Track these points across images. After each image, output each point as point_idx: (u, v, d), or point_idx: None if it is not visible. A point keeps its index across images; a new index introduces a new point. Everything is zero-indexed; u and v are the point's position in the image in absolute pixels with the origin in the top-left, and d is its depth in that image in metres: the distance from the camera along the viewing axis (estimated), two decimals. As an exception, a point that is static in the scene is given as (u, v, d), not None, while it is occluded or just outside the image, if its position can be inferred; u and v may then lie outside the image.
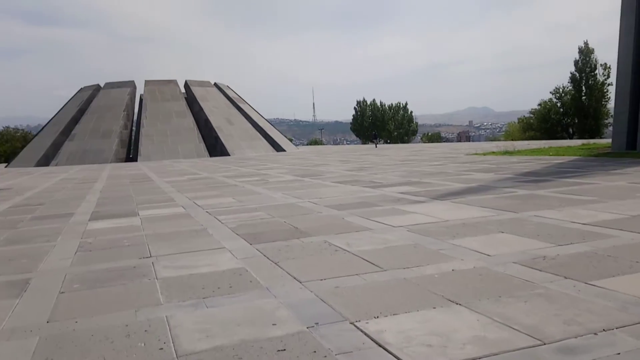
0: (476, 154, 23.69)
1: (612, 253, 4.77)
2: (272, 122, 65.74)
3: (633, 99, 19.94)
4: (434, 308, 3.57)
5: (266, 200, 10.47)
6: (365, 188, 11.66)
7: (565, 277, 4.11)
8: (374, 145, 49.91)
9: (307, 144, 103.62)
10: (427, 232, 6.21)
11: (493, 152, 23.51)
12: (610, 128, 57.20)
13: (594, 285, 3.87)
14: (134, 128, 50.72)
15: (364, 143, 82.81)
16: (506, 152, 22.50)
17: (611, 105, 51.94)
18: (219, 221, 7.97)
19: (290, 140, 74.08)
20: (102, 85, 52.05)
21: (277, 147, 49.00)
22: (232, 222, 7.76)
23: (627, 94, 20.08)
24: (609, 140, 29.87)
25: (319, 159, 28.49)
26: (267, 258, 5.35)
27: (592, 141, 29.19)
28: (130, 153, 48.13)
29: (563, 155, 19.21)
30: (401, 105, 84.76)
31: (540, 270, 4.35)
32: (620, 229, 5.74)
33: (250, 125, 50.66)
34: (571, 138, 50.32)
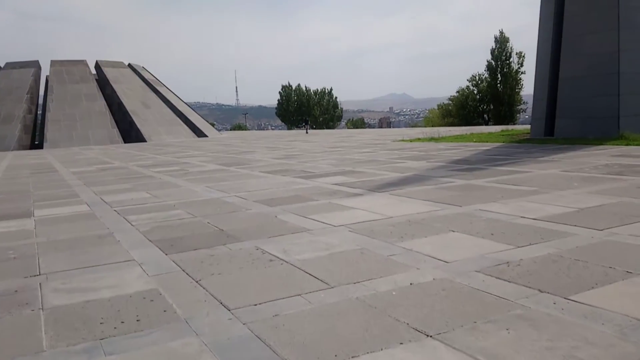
0: (403, 140, 23.63)
1: (579, 256, 4.32)
2: (193, 106, 63.06)
3: (551, 85, 20.58)
4: (402, 344, 2.85)
5: (186, 195, 9.37)
6: (297, 179, 10.87)
7: (541, 291, 3.56)
8: (305, 131, 48.89)
9: (230, 129, 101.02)
10: (372, 232, 5.53)
11: (419, 139, 23.56)
12: (523, 114, 60.39)
13: (576, 302, 3.33)
14: (39, 112, 46.46)
15: (289, 128, 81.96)
16: (432, 139, 22.60)
17: (524, 92, 54.76)
18: (129, 223, 6.83)
19: (213, 125, 71.65)
20: (1, 65, 47.08)
21: (199, 133, 46.93)
22: (144, 224, 6.66)
23: (545, 81, 20.69)
24: (526, 127, 31.18)
25: (244, 146, 27.32)
26: (187, 274, 4.40)
27: (510, 127, 30.30)
28: (36, 139, 44.07)
29: (486, 141, 19.50)
30: (326, 91, 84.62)
31: (509, 282, 3.77)
32: (575, 225, 5.36)
33: (168, 109, 48.06)
34: (487, 124, 52.44)
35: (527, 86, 54.23)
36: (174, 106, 48.85)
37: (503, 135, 22.87)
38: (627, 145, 14.21)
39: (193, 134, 46.53)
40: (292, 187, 9.61)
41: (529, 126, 30.73)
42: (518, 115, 54.56)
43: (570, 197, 6.98)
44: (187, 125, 47.50)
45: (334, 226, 5.95)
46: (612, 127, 18.06)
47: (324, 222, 6.18)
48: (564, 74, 20.01)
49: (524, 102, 54.48)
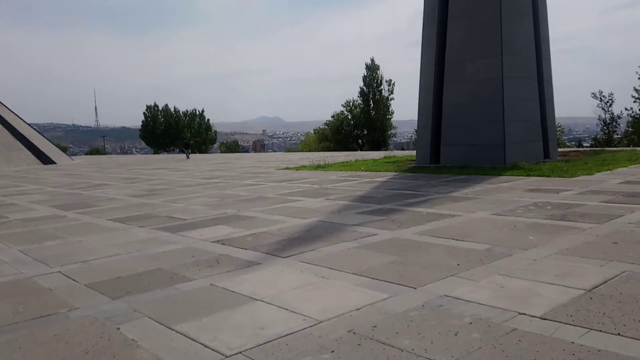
0: (288, 168, 21.45)
1: None
2: (45, 128, 55.16)
3: (435, 112, 19.92)
4: None
5: (-19, 271, 5.98)
6: (161, 232, 7.95)
7: None
8: (186, 156, 42.64)
9: (87, 154, 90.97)
10: (301, 374, 3.00)
11: (304, 167, 21.58)
12: (395, 139, 62.29)
13: None
14: None
15: (156, 152, 75.97)
16: (318, 167, 20.75)
17: (395, 118, 56.39)
18: None
19: (65, 150, 63.57)
20: None
21: (45, 159, 40.35)
22: None
23: (429, 108, 19.99)
24: (407, 153, 30.97)
25: (98, 176, 23.02)
26: None
27: (392, 153, 29.77)
28: None
29: (375, 170, 18.04)
30: (197, 112, 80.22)
31: None
32: (620, 334, 3.37)
33: (7, 132, 40.81)
34: (362, 149, 52.80)
35: (397, 112, 55.98)
36: (14, 128, 41.64)
37: (388, 162, 21.79)
38: (527, 176, 13.43)
39: (38, 160, 39.88)
40: (152, 249, 6.71)
41: (410, 152, 30.67)
42: (390, 140, 55.89)
43: (546, 262, 5.14)
44: (31, 151, 40.66)
45: (225, 357, 3.31)
46: (499, 155, 17.66)
47: (204, 345, 3.50)
48: (447, 101, 19.44)
49: (394, 128, 56.05)
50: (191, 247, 6.76)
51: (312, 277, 5.04)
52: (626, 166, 14.60)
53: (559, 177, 12.84)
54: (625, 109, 38.25)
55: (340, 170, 18.68)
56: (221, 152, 79.17)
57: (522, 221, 7.35)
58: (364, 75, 54.23)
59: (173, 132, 76.58)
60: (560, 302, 3.96)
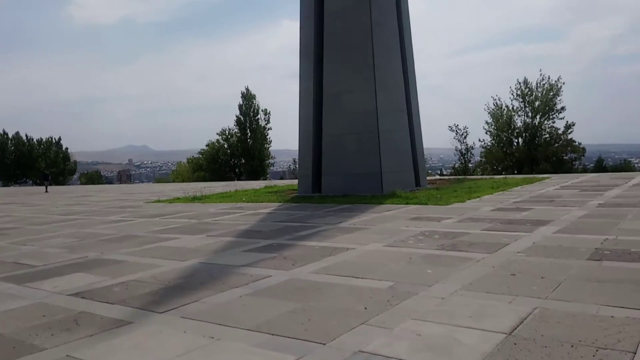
0: (160, 201, 19.83)
1: None
2: None
3: (316, 142, 19.92)
4: None
5: None
6: (4, 284, 6.43)
7: None
8: (45, 189, 38.21)
9: None
10: None
11: (178, 199, 20.13)
12: (273, 168, 62.16)
13: None
14: None
15: (5, 185, 67.31)
16: (195, 199, 19.47)
17: (274, 148, 56.39)
18: None
19: None
20: None
21: None
22: None
23: (310, 138, 19.93)
24: (287, 182, 30.70)
25: None
26: None
27: (272, 183, 29.26)
28: None
29: (258, 201, 17.36)
30: (53, 141, 72.92)
31: None
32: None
33: None
34: (239, 178, 51.79)
35: (274, 142, 56.00)
36: None
37: (270, 192, 21.23)
38: (406, 204, 13.70)
39: None
40: (-11, 312, 5.28)
41: (290, 181, 30.48)
42: (268, 169, 55.66)
43: (455, 301, 4.84)
44: None
45: None
46: (376, 184, 18.04)
47: None
48: (327, 132, 19.56)
49: (272, 157, 56.00)
50: (42, 303, 5.46)
51: (199, 339, 4.16)
52: (491, 193, 15.64)
53: (435, 204, 13.26)
54: (479, 140, 42.31)
55: (220, 202, 17.66)
56: (81, 183, 72.63)
57: (416, 253, 7.16)
58: (240, 104, 53.71)
59: (25, 162, 68.68)
60: (485, 350, 3.60)
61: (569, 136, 39.49)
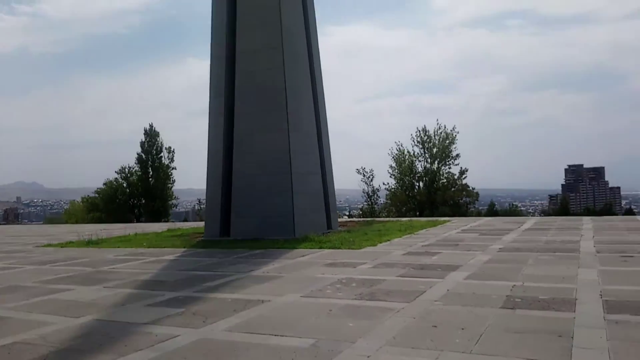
0: (51, 245, 17.95)
1: None
2: None
3: (225, 183, 19.36)
4: None
5: None
6: None
7: None
8: None
9: None
10: None
11: (72, 243, 18.39)
12: (176, 209, 59.57)
13: None
14: None
15: None
16: (90, 243, 17.86)
17: (177, 187, 54.20)
18: None
19: None
20: None
21: None
22: None
23: (219, 178, 19.34)
24: (192, 224, 29.29)
25: None
26: None
27: (176, 225, 27.79)
28: None
29: (160, 246, 16.28)
30: None
31: None
32: None
33: None
34: (139, 220, 48.94)
35: (178, 181, 53.96)
36: None
37: (173, 236, 20.11)
38: (320, 248, 13.53)
39: None
40: None
41: (195, 224, 29.17)
42: (171, 209, 53.28)
43: (381, 359, 4.62)
44: None
45: None
46: (288, 227, 17.78)
47: None
48: (237, 172, 19.10)
49: (175, 197, 53.75)
50: None
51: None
52: (400, 236, 15.98)
53: (348, 248, 13.22)
54: (383, 183, 43.84)
55: (118, 247, 16.32)
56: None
57: (335, 304, 6.90)
58: (142, 141, 51.30)
59: None
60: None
61: (464, 181, 42.32)
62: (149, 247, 15.97)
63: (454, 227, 19.21)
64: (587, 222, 19.68)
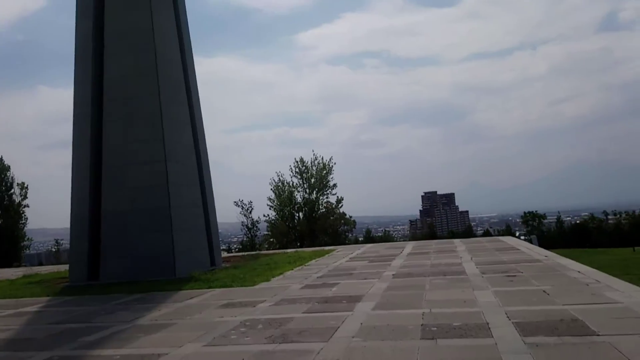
0: None
1: None
2: None
3: (92, 222, 17.37)
4: None
5: None
6: None
7: None
8: None
9: None
10: None
11: None
12: (28, 251, 52.62)
13: None
14: None
15: None
16: None
17: (33, 226, 48.13)
18: None
19: None
20: None
21: None
22: None
23: (85, 217, 17.28)
24: (51, 268, 25.51)
25: None
26: None
27: (33, 270, 24.09)
28: None
29: (17, 296, 13.90)
30: None
31: None
32: None
33: None
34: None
35: (31, 220, 47.98)
36: None
37: (31, 282, 17.41)
38: (209, 288, 12.51)
39: None
40: None
41: (53, 268, 25.65)
42: (23, 252, 47.02)
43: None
44: None
45: None
46: (168, 266, 16.36)
47: None
48: (107, 209, 17.23)
49: (28, 238, 47.66)
50: None
51: None
52: (292, 269, 15.51)
53: (241, 286, 12.41)
54: (264, 215, 43.23)
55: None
56: None
57: (245, 351, 6.18)
58: (-12, 177, 44.98)
59: None
60: None
61: (341, 210, 43.44)
62: (3, 298, 13.54)
63: (341, 255, 19.28)
64: (459, 244, 21.04)
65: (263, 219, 42.74)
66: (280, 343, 6.44)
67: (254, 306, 9.37)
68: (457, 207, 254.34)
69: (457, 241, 23.65)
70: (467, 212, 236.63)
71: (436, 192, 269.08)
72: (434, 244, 23.03)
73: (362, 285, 10.81)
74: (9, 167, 45.36)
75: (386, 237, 48.73)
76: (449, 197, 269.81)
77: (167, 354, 6.35)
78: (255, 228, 42.28)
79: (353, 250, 21.96)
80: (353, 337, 6.47)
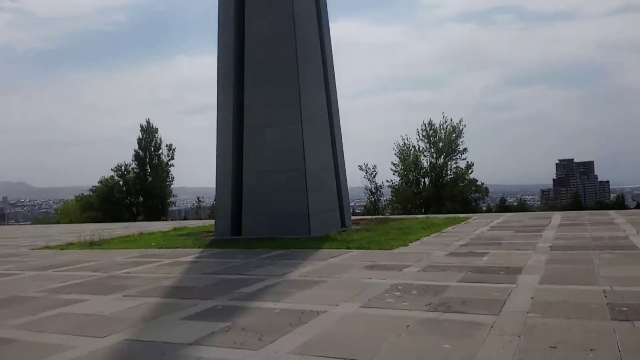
0: (50, 247, 16.72)
1: None
2: None
3: (236, 180, 18.21)
4: None
5: None
6: None
7: None
8: None
9: None
10: None
11: (73, 244, 17.17)
12: (173, 207, 58.16)
13: None
14: None
15: None
16: (93, 244, 16.67)
17: (175, 185, 52.91)
18: None
19: None
20: None
21: None
22: None
23: (229, 176, 18.19)
24: (197, 223, 27.83)
25: None
26: None
27: (181, 224, 26.50)
28: None
29: (171, 246, 15.11)
30: None
31: None
32: None
33: None
34: (136, 219, 47.59)
35: (178, 178, 52.62)
36: None
37: (181, 235, 18.94)
38: (347, 248, 12.45)
39: None
40: None
41: (199, 222, 27.86)
42: (169, 208, 51.96)
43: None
44: None
45: None
46: (303, 225, 16.69)
47: None
48: (247, 169, 17.97)
49: (174, 195, 52.45)
50: None
51: None
52: (428, 235, 14.91)
53: (379, 249, 12.15)
54: (387, 180, 42.72)
55: (125, 248, 15.15)
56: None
57: (407, 317, 5.83)
58: (139, 138, 49.89)
59: None
60: None
61: (471, 176, 41.34)
62: (159, 248, 14.82)
63: (479, 223, 18.21)
64: (615, 216, 18.80)
65: (386, 184, 42.27)
66: (443, 312, 5.99)
67: (400, 270, 9.02)
68: (596, 177, 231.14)
69: (612, 212, 21.20)
70: (607, 182, 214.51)
71: (572, 159, 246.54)
72: (586, 215, 20.85)
73: (517, 257, 9.92)
74: (157, 129, 49.89)
75: (522, 207, 45.47)
76: (588, 166, 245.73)
77: (325, 311, 6.23)
78: (379, 192, 42.03)
79: (492, 218, 20.67)
80: (528, 312, 5.80)
